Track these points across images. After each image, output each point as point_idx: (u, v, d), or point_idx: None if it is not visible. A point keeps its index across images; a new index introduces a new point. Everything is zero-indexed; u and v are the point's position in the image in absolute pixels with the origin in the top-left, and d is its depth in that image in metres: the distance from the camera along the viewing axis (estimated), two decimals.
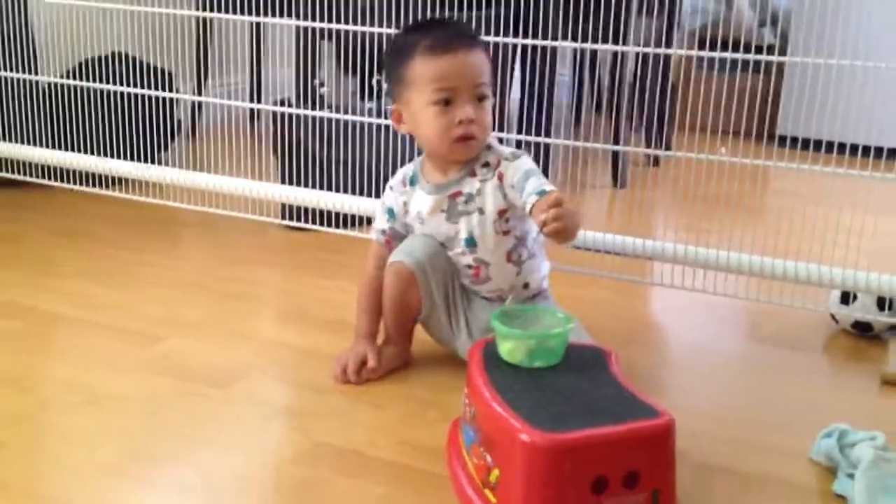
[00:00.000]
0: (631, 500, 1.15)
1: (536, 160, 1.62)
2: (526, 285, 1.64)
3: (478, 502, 1.20)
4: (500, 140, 1.84)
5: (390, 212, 1.68)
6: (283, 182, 2.36)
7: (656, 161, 3.23)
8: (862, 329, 1.83)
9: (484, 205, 1.58)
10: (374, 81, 2.34)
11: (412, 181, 1.65)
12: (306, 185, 2.29)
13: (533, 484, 1.13)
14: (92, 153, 2.45)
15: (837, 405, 1.57)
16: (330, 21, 2.20)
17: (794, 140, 2.07)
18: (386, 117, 2.23)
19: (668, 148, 3.23)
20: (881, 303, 1.79)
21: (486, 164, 1.58)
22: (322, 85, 2.46)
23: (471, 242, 1.60)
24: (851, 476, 1.29)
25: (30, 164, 2.51)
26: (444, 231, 1.62)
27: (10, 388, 1.53)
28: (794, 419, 1.52)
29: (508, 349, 1.31)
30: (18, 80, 2.50)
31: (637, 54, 2.95)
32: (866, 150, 1.97)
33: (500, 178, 1.56)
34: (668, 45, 3.11)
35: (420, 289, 1.60)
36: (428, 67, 1.53)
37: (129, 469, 1.30)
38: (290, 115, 2.33)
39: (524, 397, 1.21)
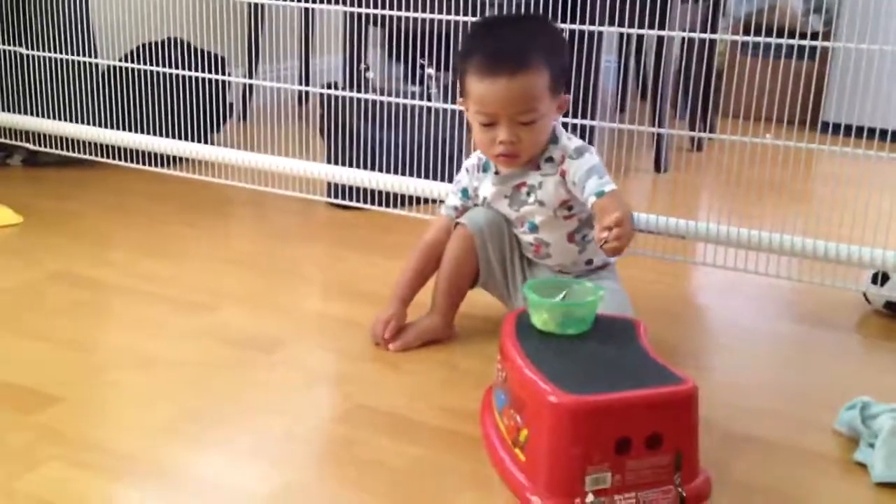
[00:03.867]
0: (654, 461, 1.20)
1: None
2: (589, 261, 1.70)
3: (508, 460, 1.27)
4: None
5: (464, 192, 1.75)
6: (329, 162, 2.43)
7: (699, 146, 3.26)
8: (894, 309, 1.86)
9: (544, 198, 1.63)
10: (418, 66, 2.40)
11: (485, 167, 1.71)
12: (352, 166, 2.36)
13: (559, 443, 1.18)
14: (148, 133, 2.54)
15: (865, 380, 1.61)
16: (377, 7, 2.26)
17: (839, 127, 2.09)
18: (429, 100, 2.30)
19: (711, 132, 3.25)
20: None
21: (551, 160, 1.63)
22: (368, 69, 2.53)
23: (532, 227, 1.67)
24: (872, 445, 1.33)
25: (89, 143, 2.61)
26: (507, 213, 1.69)
27: (71, 350, 1.62)
28: (821, 393, 1.56)
29: (541, 318, 1.36)
30: (77, 63, 2.59)
31: (682, 40, 2.97)
32: None
33: (563, 174, 1.61)
34: (713, 31, 3.13)
35: (478, 253, 1.67)
36: (474, 87, 1.57)
37: (181, 426, 1.38)
38: (337, 98, 2.40)
39: (553, 362, 1.26)
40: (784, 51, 1.92)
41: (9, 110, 2.67)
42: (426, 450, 1.34)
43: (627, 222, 1.43)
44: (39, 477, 1.23)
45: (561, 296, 1.40)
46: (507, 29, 1.65)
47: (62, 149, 2.64)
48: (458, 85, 1.64)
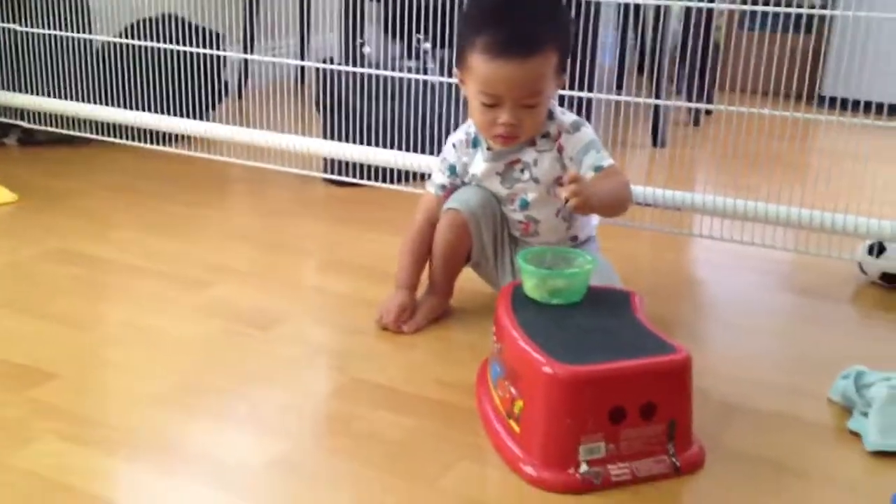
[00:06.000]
0: (648, 431, 1.21)
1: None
2: (574, 237, 1.69)
3: (502, 431, 1.27)
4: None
5: (452, 169, 1.70)
6: (325, 137, 2.43)
7: (696, 121, 3.25)
8: (889, 281, 1.86)
9: (539, 175, 1.61)
10: (415, 40, 2.39)
11: (475, 143, 1.67)
12: (348, 141, 2.36)
13: (554, 413, 1.19)
14: (144, 111, 2.54)
15: (860, 350, 1.60)
16: None
17: (840, 101, 2.08)
18: (426, 73, 2.29)
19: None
20: None
21: (547, 135, 1.60)
22: (364, 44, 2.52)
23: (524, 204, 1.65)
24: (866, 414, 1.33)
25: (85, 121, 2.60)
26: (498, 191, 1.66)
27: (67, 327, 1.62)
28: (815, 363, 1.56)
29: (530, 286, 1.38)
30: (74, 39, 2.58)
31: (680, 13, 2.96)
32: None
33: (560, 150, 1.59)
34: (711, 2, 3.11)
35: (472, 237, 1.65)
36: (480, 67, 1.50)
37: (178, 399, 1.39)
38: (334, 73, 2.39)
39: (547, 334, 1.27)
40: (782, 24, 1.91)
41: (4, 88, 2.66)
42: (422, 422, 1.34)
43: (586, 180, 1.44)
44: (34, 451, 1.24)
45: (548, 264, 1.42)
46: (519, 6, 1.55)
47: (58, 127, 2.63)
48: (457, 56, 1.59)
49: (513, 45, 1.48)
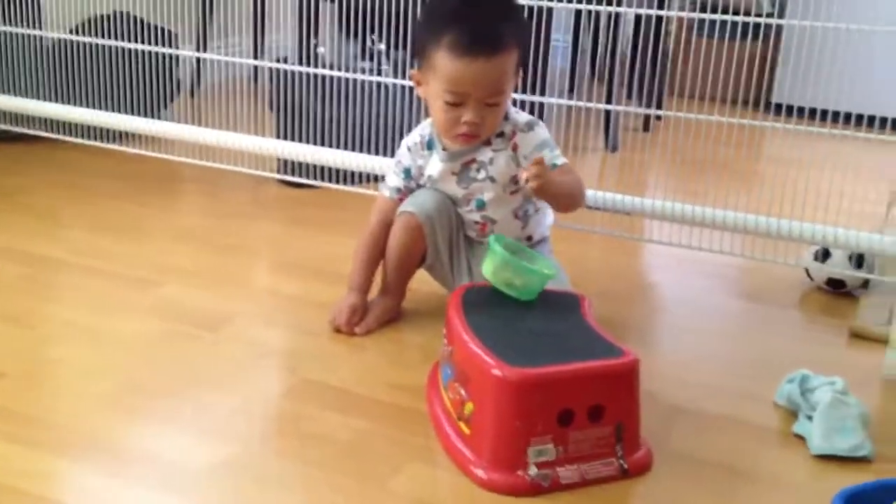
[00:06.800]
0: (596, 433, 1.22)
1: None
2: (529, 237, 1.70)
3: (452, 434, 1.28)
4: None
5: (406, 172, 1.70)
6: (279, 138, 2.41)
7: (647, 126, 3.29)
8: (835, 286, 1.90)
9: (495, 174, 1.62)
10: (369, 42, 2.39)
11: (430, 145, 1.67)
12: (302, 141, 2.35)
13: (503, 415, 1.20)
14: (96, 108, 2.51)
15: (806, 355, 1.64)
16: None
17: (789, 108, 2.11)
18: (380, 75, 2.29)
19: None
20: (855, 260, 1.85)
21: (502, 134, 1.61)
22: (318, 45, 2.51)
23: (480, 204, 1.65)
24: (810, 418, 1.36)
25: (35, 118, 2.56)
26: (454, 192, 1.67)
27: (13, 325, 1.60)
28: (762, 367, 1.59)
29: (490, 269, 1.40)
30: (24, 35, 2.54)
31: (633, 18, 2.99)
32: (859, 119, 2.00)
33: (514, 148, 1.60)
34: (663, 8, 3.15)
35: (426, 240, 1.65)
36: (446, 65, 1.50)
37: (123, 400, 1.37)
38: (288, 73, 2.38)
39: (497, 336, 1.28)
40: (729, 31, 1.92)
41: None
42: (372, 424, 1.34)
43: (547, 165, 1.47)
44: None
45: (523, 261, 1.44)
46: (481, 5, 1.56)
47: (7, 123, 2.59)
48: (417, 56, 1.59)
49: (479, 43, 1.49)
